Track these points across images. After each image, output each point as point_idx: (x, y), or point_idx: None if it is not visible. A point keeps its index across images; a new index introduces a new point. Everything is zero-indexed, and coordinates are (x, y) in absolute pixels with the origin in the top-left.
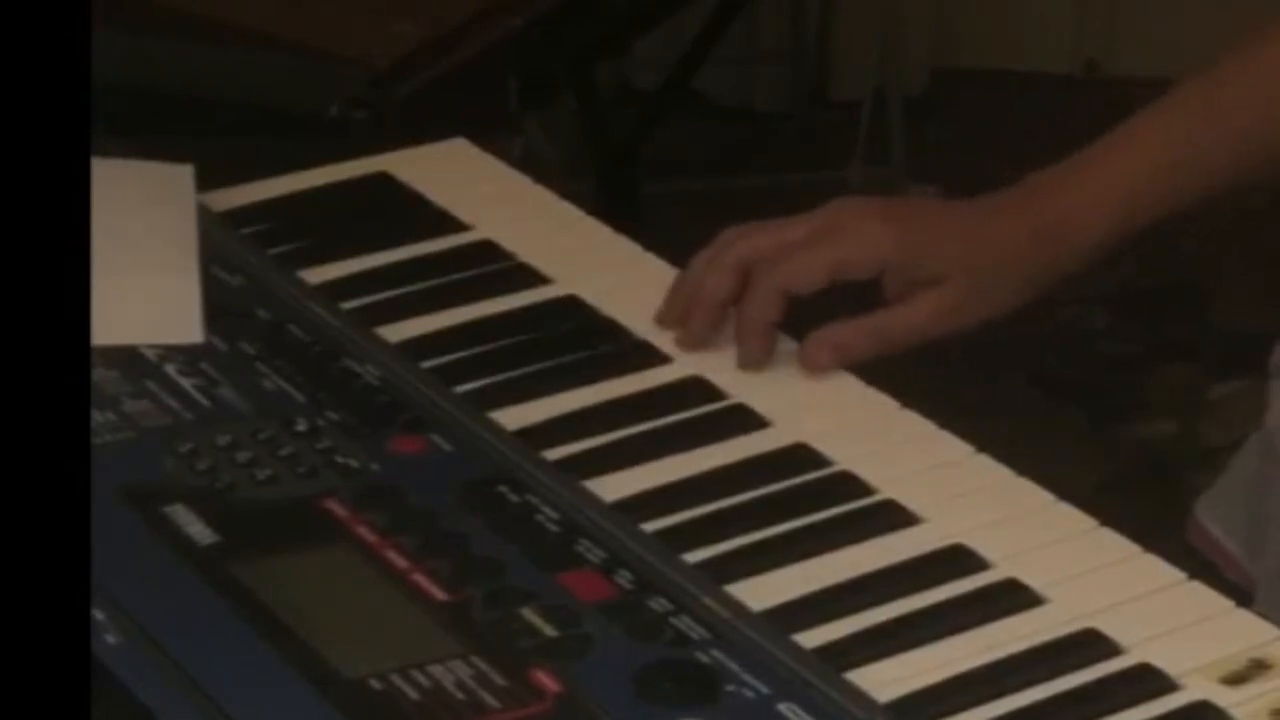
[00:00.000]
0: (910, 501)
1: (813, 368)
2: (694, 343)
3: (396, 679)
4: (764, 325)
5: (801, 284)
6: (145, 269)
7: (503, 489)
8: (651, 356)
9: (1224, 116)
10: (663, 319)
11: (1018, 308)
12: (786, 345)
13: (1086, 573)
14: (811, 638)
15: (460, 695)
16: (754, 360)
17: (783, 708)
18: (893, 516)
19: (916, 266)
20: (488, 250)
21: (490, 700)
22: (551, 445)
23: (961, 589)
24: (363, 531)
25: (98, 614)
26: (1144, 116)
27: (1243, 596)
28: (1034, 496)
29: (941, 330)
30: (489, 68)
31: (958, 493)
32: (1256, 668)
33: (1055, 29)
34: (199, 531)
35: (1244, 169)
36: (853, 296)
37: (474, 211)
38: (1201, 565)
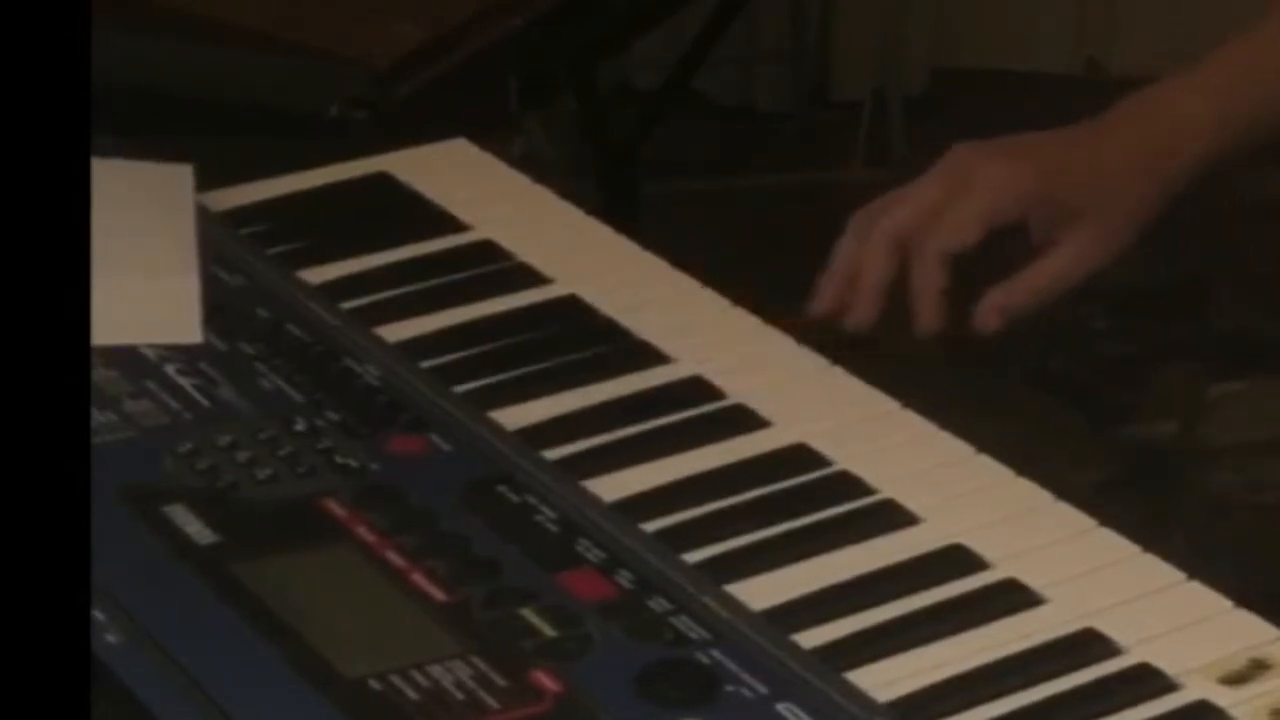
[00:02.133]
0: (910, 501)
1: (987, 329)
2: (866, 323)
3: (396, 679)
4: (935, 294)
5: (961, 242)
6: (145, 269)
7: (503, 489)
8: (651, 356)
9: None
10: (824, 312)
11: (1147, 226)
12: (787, 345)
13: (1086, 573)
14: (811, 638)
15: (460, 695)
16: (931, 328)
17: (782, 708)
18: (892, 516)
19: (1053, 203)
20: (488, 250)
21: (490, 700)
22: (551, 445)
23: (961, 589)
24: (362, 531)
25: (98, 614)
26: (1239, 41)
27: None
28: (1034, 496)
29: (1091, 267)
30: (489, 68)
31: (958, 493)
32: (1256, 668)
33: (1055, 29)
34: (199, 531)
35: None
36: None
37: (474, 211)
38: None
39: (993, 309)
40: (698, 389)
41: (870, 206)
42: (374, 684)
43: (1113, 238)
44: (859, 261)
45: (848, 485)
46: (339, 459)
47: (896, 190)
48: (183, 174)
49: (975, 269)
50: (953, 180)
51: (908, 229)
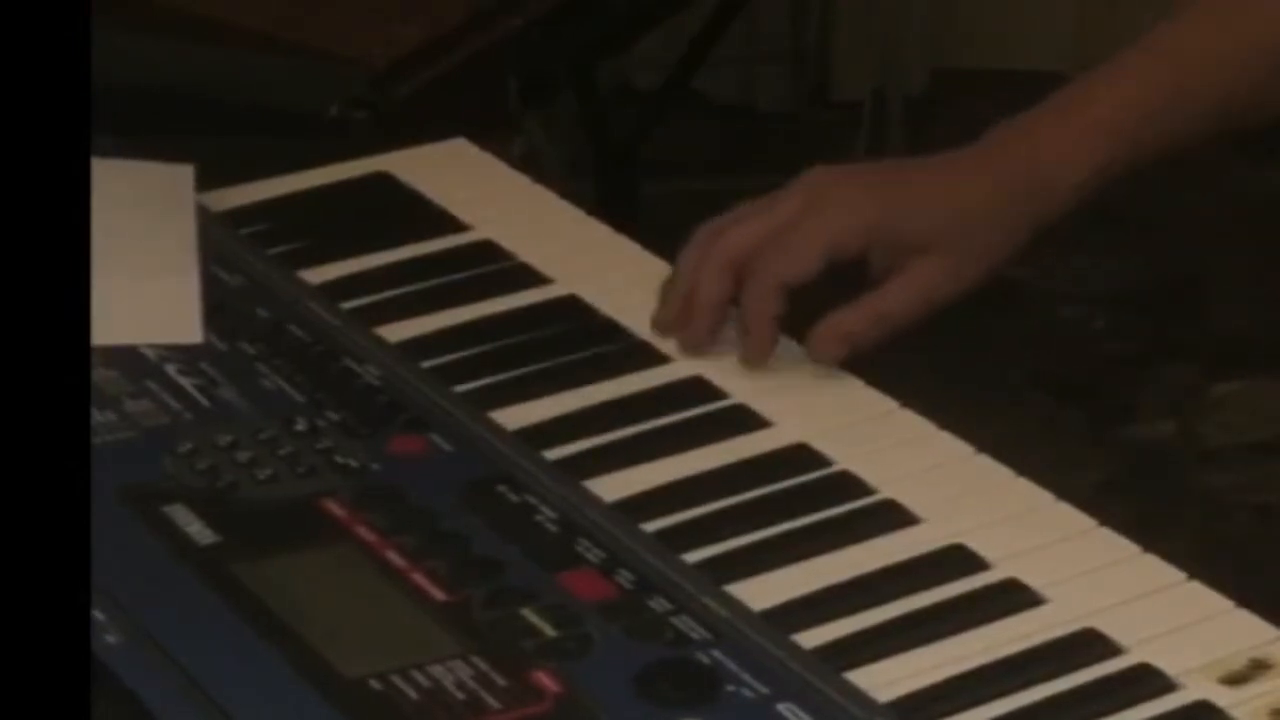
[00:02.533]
0: (910, 501)
1: (826, 361)
2: (696, 347)
3: (396, 679)
4: (768, 321)
5: (799, 273)
6: (145, 269)
7: (503, 489)
8: (651, 356)
9: (1205, 61)
10: (659, 324)
11: (1009, 260)
12: (786, 344)
13: (1086, 573)
14: (811, 638)
15: (460, 695)
16: (760, 357)
17: (783, 708)
18: (893, 516)
19: (901, 237)
20: (488, 250)
21: (490, 700)
22: (551, 445)
23: (961, 589)
24: (362, 531)
25: (98, 614)
26: (1120, 61)
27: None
28: (1034, 496)
29: (941, 298)
30: (489, 68)
31: (958, 493)
32: (1256, 668)
33: (1055, 29)
34: (199, 531)
35: (1225, 114)
36: (837, 276)
37: (474, 211)
38: None
39: (835, 335)
40: (698, 389)
41: (717, 221)
42: (374, 684)
43: (964, 271)
44: (694, 279)
45: (848, 485)
46: (339, 459)
47: (744, 205)
48: (183, 174)
49: (850, 277)
50: (799, 205)
51: (745, 252)
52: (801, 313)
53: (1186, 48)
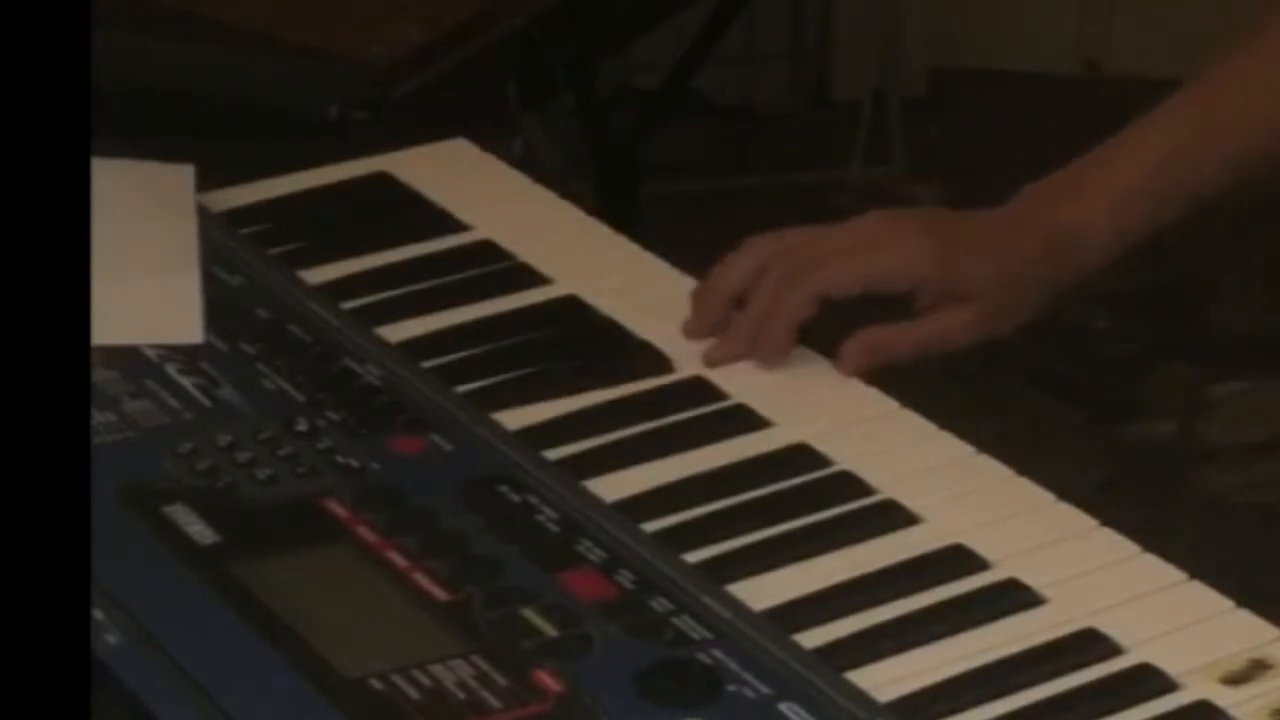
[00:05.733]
0: (910, 501)
1: (850, 369)
2: (730, 357)
3: (397, 679)
4: (792, 325)
5: (839, 289)
6: (145, 269)
7: (503, 489)
8: (651, 356)
9: (1218, 124)
10: (695, 330)
11: (1028, 318)
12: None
13: (1086, 573)
14: (812, 638)
15: (461, 695)
16: (774, 358)
17: (783, 707)
18: (893, 516)
19: (951, 282)
20: (488, 250)
21: (491, 700)
22: (552, 445)
23: (961, 589)
24: (363, 531)
25: (98, 614)
26: (1140, 125)
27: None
28: (1034, 496)
29: (968, 342)
30: (489, 68)
31: (958, 493)
32: (1256, 668)
33: (1055, 29)
34: (199, 531)
35: (1240, 172)
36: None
37: (474, 211)
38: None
39: (864, 348)
40: (698, 389)
41: (767, 237)
42: (375, 684)
43: (998, 323)
44: (745, 285)
45: (848, 485)
46: (340, 459)
47: (801, 228)
48: (183, 174)
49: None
50: (859, 236)
51: (797, 265)
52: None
53: (1210, 111)
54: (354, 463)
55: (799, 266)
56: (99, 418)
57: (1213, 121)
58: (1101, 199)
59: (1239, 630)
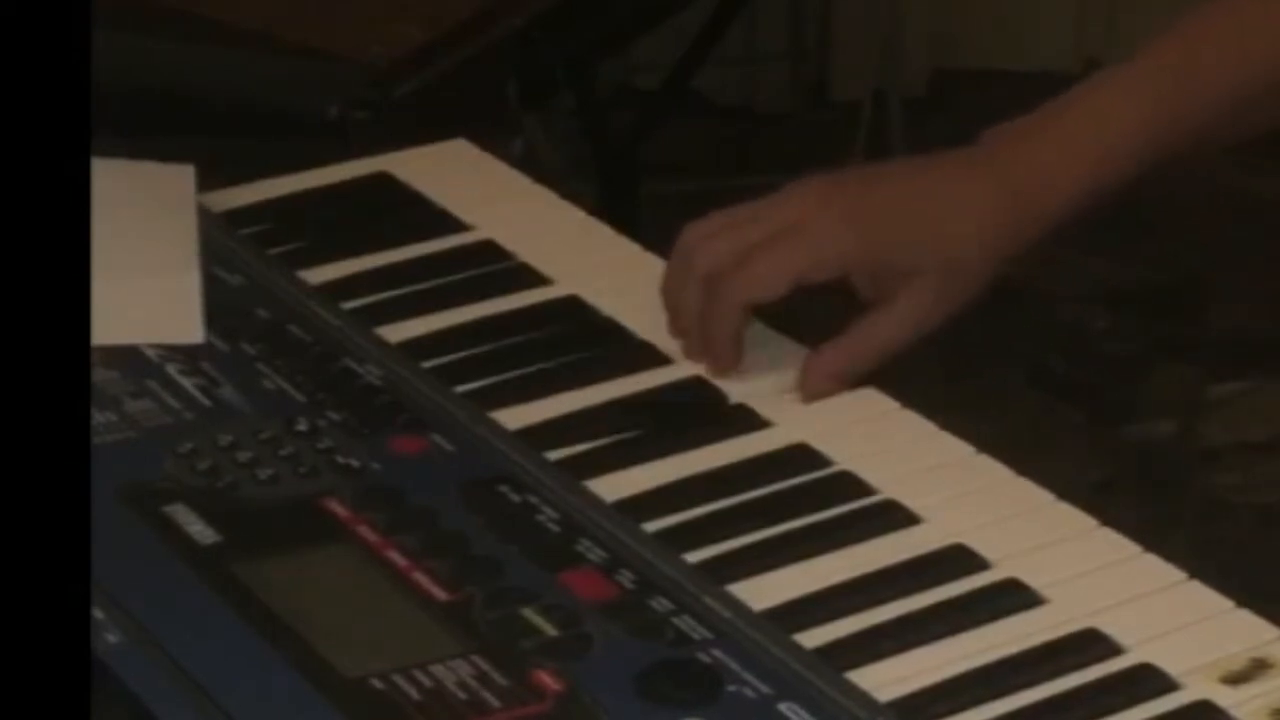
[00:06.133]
0: (910, 501)
1: (817, 398)
2: (695, 356)
3: (397, 679)
4: (729, 340)
5: (762, 295)
6: (145, 269)
7: (503, 489)
8: (652, 357)
9: (1198, 75)
10: (672, 332)
11: (994, 277)
12: (787, 346)
13: (1086, 573)
14: (812, 638)
15: (461, 695)
16: (723, 372)
17: (784, 707)
18: (893, 516)
19: (887, 264)
20: (488, 250)
21: (491, 700)
22: (552, 445)
23: (961, 589)
24: (363, 531)
25: (98, 614)
26: (1111, 74)
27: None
28: (1034, 496)
29: (930, 323)
30: (489, 68)
31: (958, 493)
32: (1256, 668)
33: (1055, 29)
34: (200, 531)
35: (1217, 128)
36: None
37: (474, 211)
38: None
39: (823, 375)
40: (699, 389)
41: (699, 226)
42: (375, 683)
43: (953, 292)
44: (677, 298)
45: (848, 485)
46: (340, 459)
47: (730, 212)
48: (183, 174)
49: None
50: (780, 224)
51: (720, 269)
52: (803, 313)
53: (1182, 61)
54: (354, 463)
55: (722, 273)
56: (99, 418)
57: (1202, 65)
58: (1070, 150)
59: (1239, 630)
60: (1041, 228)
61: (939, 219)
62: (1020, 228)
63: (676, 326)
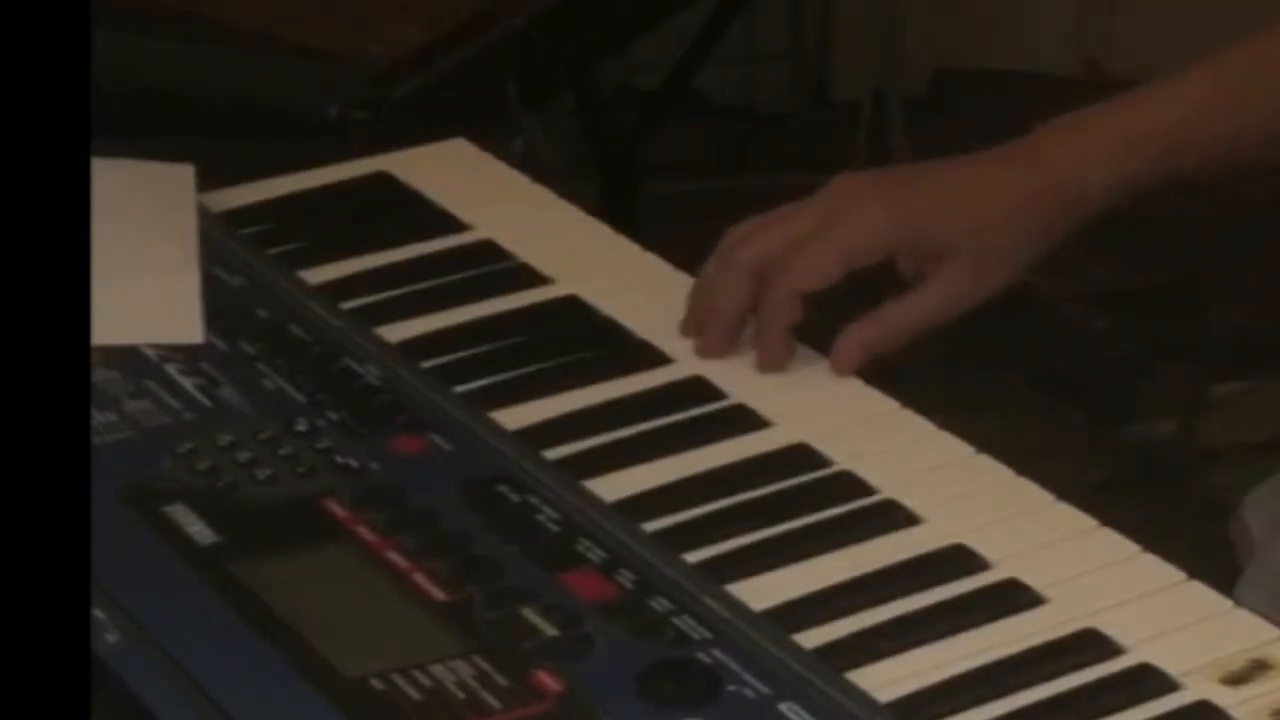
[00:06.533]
0: (910, 501)
1: (845, 370)
2: (713, 354)
3: (397, 679)
4: (783, 330)
5: (815, 282)
6: (145, 269)
7: (503, 489)
8: (652, 356)
9: (1231, 90)
10: (684, 330)
11: (1030, 265)
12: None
13: (1086, 573)
14: (812, 638)
15: (461, 695)
16: (773, 365)
17: (784, 707)
18: (893, 516)
19: (924, 243)
20: (488, 250)
21: (491, 700)
22: (552, 445)
23: (961, 589)
24: (363, 531)
25: (98, 614)
26: (1153, 84)
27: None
28: (1034, 496)
29: (963, 305)
30: (489, 68)
31: (958, 493)
32: (1256, 668)
33: (1055, 29)
34: (199, 531)
35: (1246, 143)
36: (864, 283)
37: (474, 211)
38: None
39: (853, 345)
40: (698, 389)
41: (742, 227)
42: (375, 684)
43: (987, 275)
44: (713, 287)
45: (848, 485)
46: (339, 459)
47: (771, 213)
48: (183, 174)
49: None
50: (823, 215)
51: (766, 260)
52: (811, 318)
53: (1236, 71)
54: (354, 463)
55: (773, 264)
56: (99, 418)
57: (1245, 83)
58: (1108, 137)
59: (1239, 630)
60: (1080, 217)
61: (973, 202)
62: (1057, 216)
63: (696, 325)
